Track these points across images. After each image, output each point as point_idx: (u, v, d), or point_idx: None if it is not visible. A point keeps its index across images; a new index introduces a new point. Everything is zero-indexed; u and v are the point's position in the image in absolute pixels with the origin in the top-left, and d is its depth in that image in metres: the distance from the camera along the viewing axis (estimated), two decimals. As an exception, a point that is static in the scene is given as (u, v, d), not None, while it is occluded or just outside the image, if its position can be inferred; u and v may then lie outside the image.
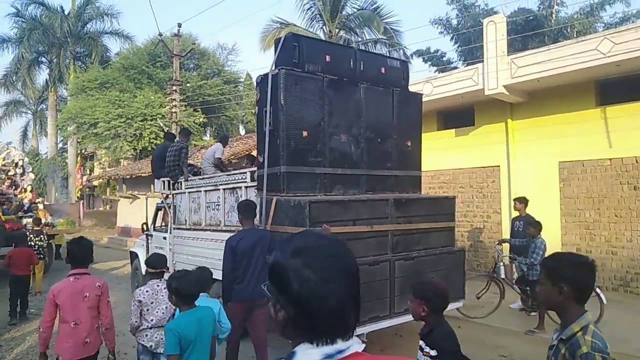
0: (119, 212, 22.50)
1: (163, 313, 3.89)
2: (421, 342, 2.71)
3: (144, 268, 6.90)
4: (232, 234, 5.04)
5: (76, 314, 3.45)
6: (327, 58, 5.70)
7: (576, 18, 19.14)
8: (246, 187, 5.97)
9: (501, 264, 7.33)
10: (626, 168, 8.61)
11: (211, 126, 26.69)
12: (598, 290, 6.39)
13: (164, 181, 8.08)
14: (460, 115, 11.18)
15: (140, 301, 3.90)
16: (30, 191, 13.00)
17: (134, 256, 9.22)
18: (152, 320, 3.86)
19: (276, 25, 21.36)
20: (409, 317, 5.24)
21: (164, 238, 8.15)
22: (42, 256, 9.91)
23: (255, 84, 6.45)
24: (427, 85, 10.47)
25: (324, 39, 21.41)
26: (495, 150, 10.36)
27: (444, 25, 22.52)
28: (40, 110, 34.64)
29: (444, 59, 23.00)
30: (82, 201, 20.73)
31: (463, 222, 11.11)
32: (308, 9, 21.50)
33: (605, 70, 8.34)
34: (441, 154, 11.34)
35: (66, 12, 29.39)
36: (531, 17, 19.47)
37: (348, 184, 5.77)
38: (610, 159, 8.78)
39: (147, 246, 8.44)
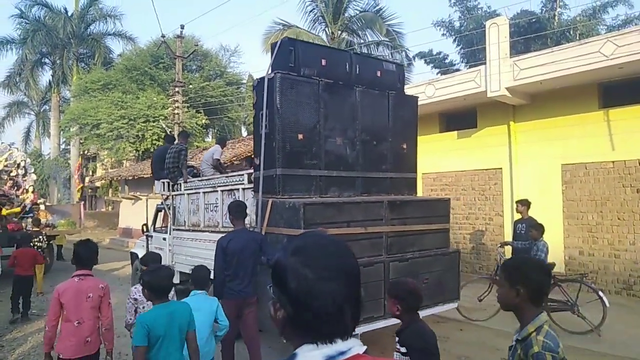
0: (121, 213, 22.53)
1: None
2: (396, 339, 2.82)
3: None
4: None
5: (79, 314, 3.54)
6: (323, 62, 5.80)
7: (579, 20, 19.11)
8: (243, 189, 6.04)
9: (503, 266, 7.29)
10: (629, 171, 8.58)
11: (213, 128, 26.72)
12: (601, 293, 6.37)
13: (163, 183, 8.15)
14: (462, 118, 11.17)
15: (135, 299, 3.99)
16: (32, 192, 13.01)
17: (134, 257, 9.25)
18: None
19: (278, 27, 21.39)
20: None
21: (164, 239, 8.23)
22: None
23: (252, 87, 6.52)
24: (430, 87, 10.46)
25: (326, 40, 21.46)
26: (498, 153, 10.34)
27: (446, 28, 22.54)
28: (43, 112, 34.73)
29: (447, 61, 23.02)
30: (82, 202, 20.70)
31: (465, 225, 11.09)
32: (310, 11, 21.54)
33: (608, 73, 8.32)
34: (443, 156, 11.33)
35: (69, 14, 29.48)
36: (534, 20, 19.46)
37: (343, 186, 5.84)
38: (613, 162, 8.76)
39: (147, 247, 8.47)
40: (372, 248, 5.32)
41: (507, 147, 10.22)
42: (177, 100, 17.90)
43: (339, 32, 21.44)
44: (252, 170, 5.93)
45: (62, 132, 29.46)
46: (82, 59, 30.53)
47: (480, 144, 10.70)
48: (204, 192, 6.98)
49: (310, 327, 1.00)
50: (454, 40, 22.42)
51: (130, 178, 19.74)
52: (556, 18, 20.15)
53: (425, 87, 10.58)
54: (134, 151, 22.47)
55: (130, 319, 3.96)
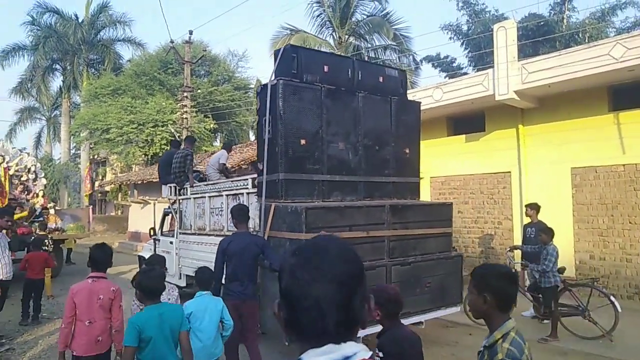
0: (130, 217, 22.67)
1: None
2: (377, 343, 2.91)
3: None
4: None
5: (90, 314, 3.69)
6: (326, 68, 5.89)
7: (588, 23, 18.98)
8: (248, 193, 6.11)
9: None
10: (640, 174, 8.50)
11: (221, 132, 26.84)
12: (612, 298, 6.30)
13: (170, 187, 8.24)
14: (470, 121, 11.13)
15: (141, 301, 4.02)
16: (42, 196, 13.15)
17: (142, 260, 9.33)
18: None
19: (286, 32, 21.50)
20: (405, 321, 5.28)
21: (171, 242, 8.32)
22: None
23: (256, 93, 6.63)
24: (437, 91, 10.45)
25: (333, 45, 21.52)
26: (506, 156, 10.28)
27: (454, 31, 22.50)
28: (54, 117, 35.07)
29: (454, 64, 22.96)
30: (91, 206, 20.88)
31: (474, 229, 11.03)
32: (318, 16, 21.63)
33: (618, 76, 8.25)
34: (451, 160, 11.29)
35: (80, 20, 29.85)
36: (542, 23, 19.36)
37: (346, 190, 5.89)
38: (624, 165, 8.67)
39: (155, 251, 8.56)
40: (374, 252, 5.35)
41: (515, 151, 10.16)
42: (185, 105, 18.02)
43: (346, 36, 21.50)
44: (256, 175, 5.99)
45: (72, 137, 29.73)
46: (92, 65, 30.88)
47: (488, 148, 10.65)
48: (210, 197, 7.05)
49: (297, 327, 1.03)
50: (462, 44, 22.37)
51: (139, 182, 19.87)
52: (565, 21, 20.04)
53: (432, 90, 10.56)
54: (143, 156, 22.64)
55: None
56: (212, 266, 4.96)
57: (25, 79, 30.90)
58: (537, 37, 17.41)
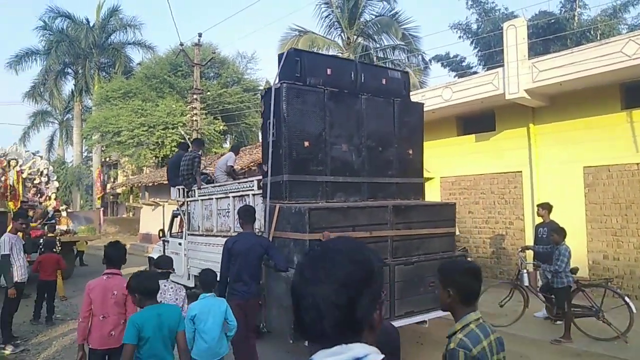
0: (141, 219, 22.85)
1: None
2: None
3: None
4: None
5: (104, 309, 3.85)
6: (329, 71, 6.00)
7: (599, 20, 18.75)
8: (253, 194, 6.19)
9: (524, 271, 7.18)
10: (654, 173, 8.37)
11: (231, 134, 26.96)
12: (627, 299, 6.22)
13: (178, 189, 8.34)
14: (480, 121, 11.05)
15: None
16: (55, 199, 13.33)
17: (151, 261, 9.43)
18: None
19: (295, 33, 21.53)
20: (409, 320, 5.32)
21: (180, 244, 8.44)
22: None
23: (260, 97, 6.74)
24: (446, 90, 10.39)
25: (342, 45, 21.50)
26: (517, 156, 10.19)
27: (463, 30, 22.35)
28: (66, 120, 35.50)
29: (464, 63, 22.82)
30: (102, 208, 21.11)
31: (485, 229, 10.95)
32: (326, 17, 21.64)
33: (631, 73, 8.13)
34: (461, 160, 11.22)
35: (91, 24, 30.21)
36: (552, 21, 19.16)
37: (349, 191, 5.98)
38: (638, 164, 8.55)
39: (164, 252, 8.67)
40: (377, 252, 5.36)
41: (526, 150, 10.06)
42: (195, 107, 18.14)
43: (355, 37, 21.47)
44: (261, 177, 6.09)
45: (84, 140, 30.12)
46: (103, 68, 31.22)
47: (499, 147, 10.56)
48: (217, 198, 7.15)
49: (300, 326, 1.04)
50: (471, 43, 22.22)
51: (150, 184, 20.02)
52: (576, 18, 19.80)
53: (442, 90, 10.51)
54: (154, 158, 22.84)
55: None
56: (219, 267, 5.04)
57: (38, 83, 31.32)
58: (548, 35, 17.23)
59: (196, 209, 7.88)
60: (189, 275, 8.05)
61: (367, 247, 1.14)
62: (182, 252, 8.20)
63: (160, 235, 9.26)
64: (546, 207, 7.75)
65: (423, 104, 7.26)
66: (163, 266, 4.60)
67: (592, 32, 18.36)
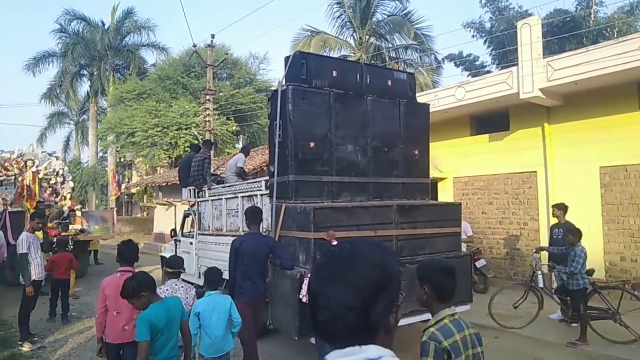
0: (155, 219, 23.09)
1: None
2: None
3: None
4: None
5: (118, 305, 3.96)
6: (334, 73, 6.10)
7: (616, 17, 18.43)
8: (261, 194, 6.30)
9: (539, 272, 7.09)
10: (673, 173, 8.20)
11: (244, 134, 27.10)
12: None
13: (189, 190, 8.51)
14: (494, 120, 10.94)
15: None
16: (70, 199, 13.52)
17: (163, 260, 9.54)
18: None
19: (307, 34, 21.54)
20: (414, 319, 5.31)
21: (191, 243, 8.56)
22: None
23: (267, 99, 6.84)
24: (460, 90, 10.31)
25: (354, 45, 21.46)
26: (532, 156, 10.06)
27: (476, 29, 22.18)
28: (81, 121, 36.01)
29: (477, 63, 22.64)
30: (115, 208, 21.37)
31: (498, 229, 10.83)
32: (338, 17, 21.62)
33: (649, 71, 7.98)
34: (475, 160, 11.12)
35: (106, 27, 30.64)
36: (568, 19, 18.90)
37: (355, 191, 6.07)
38: (656, 164, 8.38)
39: (176, 251, 8.80)
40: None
41: (541, 150, 9.94)
42: (208, 108, 18.26)
43: (367, 36, 21.42)
44: (268, 177, 6.21)
45: (99, 141, 30.51)
46: (117, 70, 31.64)
47: (513, 147, 10.44)
48: (226, 199, 7.26)
49: (317, 327, 1.04)
50: (485, 42, 22.03)
51: (163, 184, 20.22)
52: (592, 16, 19.50)
53: (455, 90, 10.43)
54: (168, 158, 23.04)
55: None
56: (227, 265, 5.15)
57: (54, 85, 31.85)
58: (563, 34, 17.00)
59: (206, 209, 8.01)
60: (199, 274, 8.16)
61: (387, 250, 1.13)
62: (193, 251, 8.34)
63: (172, 234, 9.41)
64: (562, 208, 7.64)
65: (429, 104, 7.33)
66: (174, 266, 4.72)
67: (608, 30, 18.07)
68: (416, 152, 6.64)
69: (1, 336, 6.96)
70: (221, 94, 23.45)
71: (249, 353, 4.85)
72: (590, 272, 6.42)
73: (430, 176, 11.19)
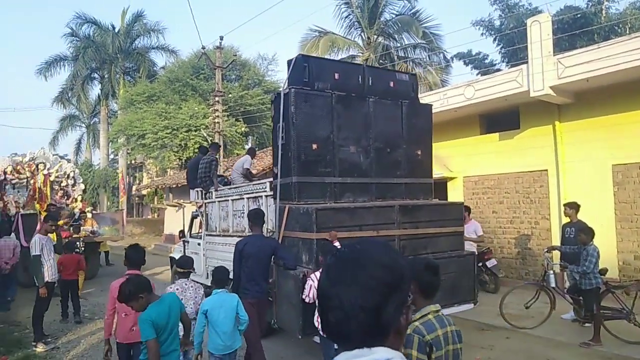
0: (165, 220, 23.26)
1: (191, 308, 4.48)
2: None
3: None
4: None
5: (126, 307, 3.97)
6: (336, 76, 6.16)
7: (629, 13, 18.18)
8: (266, 196, 6.38)
9: (551, 272, 7.01)
10: (688, 170, 8.05)
11: (252, 135, 27.19)
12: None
13: (197, 191, 8.66)
14: (504, 119, 10.84)
15: None
16: (81, 201, 13.68)
17: (173, 261, 9.62)
18: None
19: (315, 34, 21.54)
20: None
21: (199, 244, 8.67)
22: None
23: (270, 102, 6.91)
24: (469, 88, 10.24)
25: (362, 45, 21.41)
26: (543, 154, 9.96)
27: (486, 27, 22.01)
28: (93, 124, 36.35)
29: (486, 61, 22.47)
30: (124, 210, 21.58)
31: (509, 229, 10.74)
32: (346, 17, 21.58)
33: (662, 67, 7.85)
34: (485, 159, 11.04)
35: (116, 30, 30.93)
36: (579, 15, 18.68)
37: (358, 191, 6.13)
38: (670, 161, 8.25)
39: (184, 252, 8.89)
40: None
41: (552, 148, 9.83)
42: (217, 110, 18.34)
43: (375, 36, 21.36)
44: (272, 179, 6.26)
45: (110, 143, 30.81)
46: (128, 73, 31.91)
47: (523, 146, 10.35)
48: (232, 200, 7.35)
49: (325, 327, 1.04)
50: (494, 40, 21.86)
51: (174, 186, 20.36)
52: (603, 12, 19.25)
53: (464, 88, 10.36)
54: (178, 160, 23.19)
55: None
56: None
57: (66, 89, 32.20)
58: (574, 31, 16.81)
59: (213, 210, 8.12)
60: (207, 274, 8.24)
61: (396, 250, 1.13)
62: (201, 252, 8.44)
63: (180, 236, 9.54)
64: (574, 207, 7.55)
65: (431, 105, 7.39)
66: (185, 266, 4.81)
67: (620, 26, 17.82)
68: (419, 153, 6.70)
69: (15, 337, 7.05)
70: (230, 95, 23.55)
71: (254, 352, 4.92)
72: (603, 272, 6.34)
73: (440, 175, 11.25)
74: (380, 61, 20.61)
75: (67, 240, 10.09)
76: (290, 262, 5.13)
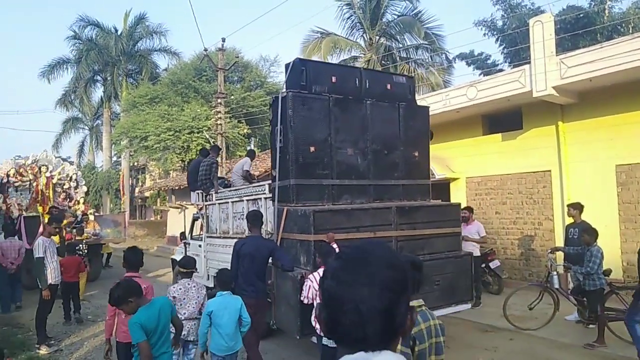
0: (168, 222, 23.29)
1: (193, 308, 4.63)
2: None
3: None
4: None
5: None
6: (333, 79, 6.22)
7: (632, 13, 18.11)
8: (265, 198, 6.41)
9: (555, 273, 6.98)
10: (692, 170, 8.01)
11: (255, 137, 27.19)
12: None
13: (198, 193, 8.71)
14: (506, 119, 10.81)
15: (174, 297, 4.55)
16: (83, 203, 13.71)
17: (174, 263, 9.65)
18: (184, 313, 4.56)
19: (317, 35, 21.55)
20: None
21: (199, 246, 8.71)
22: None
23: (269, 105, 6.97)
24: (471, 89, 10.22)
25: (364, 46, 21.40)
26: (546, 155, 9.93)
27: (488, 27, 21.95)
28: (96, 126, 36.45)
29: (489, 61, 22.41)
30: (126, 212, 21.67)
31: (512, 230, 10.70)
32: (348, 18, 21.56)
33: (665, 67, 7.81)
34: (487, 160, 11.01)
35: (119, 33, 31.02)
36: (581, 15, 18.61)
37: (355, 193, 6.18)
38: (674, 161, 8.20)
39: (185, 254, 8.89)
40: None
41: (555, 149, 9.79)
42: (219, 111, 18.34)
43: (377, 37, 21.35)
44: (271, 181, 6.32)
45: (113, 145, 30.87)
46: (130, 75, 31.98)
47: (526, 146, 10.31)
48: (232, 202, 7.39)
49: (334, 331, 1.01)
50: (497, 40, 21.79)
51: (176, 188, 20.40)
52: (606, 12, 19.19)
53: (466, 89, 10.34)
54: (180, 162, 23.22)
55: None
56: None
57: (69, 91, 32.32)
58: (577, 30, 16.75)
59: (214, 212, 8.16)
60: (208, 275, 8.27)
61: (394, 249, 1.13)
62: (202, 253, 8.47)
63: (182, 238, 9.60)
64: (577, 207, 7.52)
65: (428, 107, 7.43)
66: (187, 266, 4.88)
67: (623, 26, 17.76)
68: (416, 154, 6.74)
69: (19, 339, 7.05)
70: (232, 97, 23.55)
71: (251, 352, 4.97)
72: (607, 273, 6.31)
73: (443, 176, 11.22)
74: (382, 62, 20.60)
75: (68, 242, 10.11)
76: (287, 264, 5.16)
